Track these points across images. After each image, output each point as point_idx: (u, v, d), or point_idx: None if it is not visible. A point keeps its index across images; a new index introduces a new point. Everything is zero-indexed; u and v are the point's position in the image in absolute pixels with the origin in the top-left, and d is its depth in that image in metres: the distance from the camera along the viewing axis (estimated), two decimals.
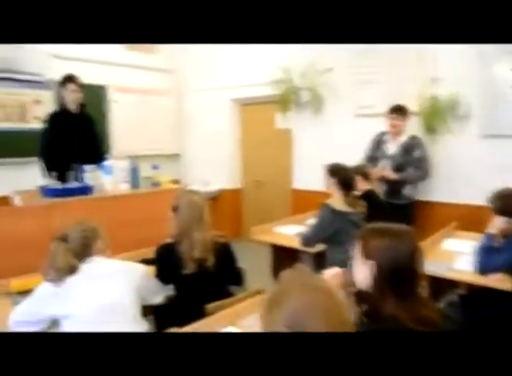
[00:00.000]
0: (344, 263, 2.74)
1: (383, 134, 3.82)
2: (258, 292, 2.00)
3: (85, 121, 3.59)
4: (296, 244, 2.95)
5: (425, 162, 3.64)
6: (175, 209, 2.10)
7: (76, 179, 2.97)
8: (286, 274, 0.99)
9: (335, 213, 2.70)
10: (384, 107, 3.73)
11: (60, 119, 3.45)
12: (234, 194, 5.83)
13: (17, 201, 2.88)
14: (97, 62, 5.06)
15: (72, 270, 1.66)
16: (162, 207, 3.17)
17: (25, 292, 1.96)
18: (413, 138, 3.68)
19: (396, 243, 1.31)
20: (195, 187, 5.11)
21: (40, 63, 4.59)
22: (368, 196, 3.09)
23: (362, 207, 2.85)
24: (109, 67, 5.27)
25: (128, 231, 2.85)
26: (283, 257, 3.28)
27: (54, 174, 2.88)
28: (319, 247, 2.89)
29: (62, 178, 2.92)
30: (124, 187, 3.21)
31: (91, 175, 3.05)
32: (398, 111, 3.62)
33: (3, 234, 2.49)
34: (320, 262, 2.89)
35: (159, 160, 4.18)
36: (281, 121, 5.01)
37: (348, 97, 4.24)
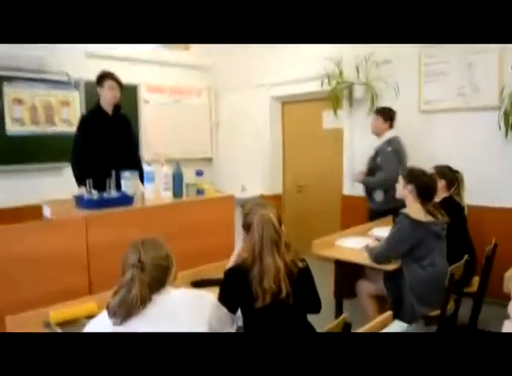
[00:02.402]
0: (426, 281, 2.39)
1: None
2: (347, 324, 1.59)
3: (122, 123, 3.25)
4: (362, 259, 2.65)
5: (383, 170, 3.45)
6: (247, 227, 1.73)
7: (114, 187, 2.60)
8: None
9: (415, 224, 2.43)
10: (456, 101, 3.43)
11: (95, 121, 3.12)
12: (274, 201, 5.39)
13: (47, 213, 2.55)
14: (127, 59, 4.80)
15: (143, 305, 1.35)
16: (208, 217, 2.85)
17: (66, 323, 1.76)
18: (388, 142, 3.51)
19: None
20: (230, 193, 4.80)
21: (66, 62, 4.38)
22: (445, 204, 2.78)
23: (443, 216, 2.55)
24: (140, 65, 5.05)
25: (173, 245, 2.48)
26: (347, 273, 2.90)
27: (89, 181, 2.51)
28: (395, 264, 2.56)
29: (98, 186, 2.56)
30: (166, 195, 2.86)
31: (130, 182, 2.69)
32: (378, 112, 3.61)
33: (33, 254, 2.14)
34: (392, 279, 2.57)
35: (190, 164, 3.89)
36: (330, 119, 4.62)
37: (411, 92, 3.80)
